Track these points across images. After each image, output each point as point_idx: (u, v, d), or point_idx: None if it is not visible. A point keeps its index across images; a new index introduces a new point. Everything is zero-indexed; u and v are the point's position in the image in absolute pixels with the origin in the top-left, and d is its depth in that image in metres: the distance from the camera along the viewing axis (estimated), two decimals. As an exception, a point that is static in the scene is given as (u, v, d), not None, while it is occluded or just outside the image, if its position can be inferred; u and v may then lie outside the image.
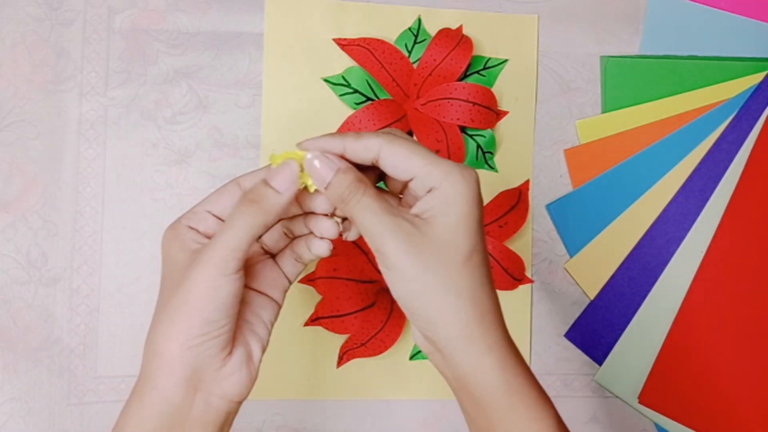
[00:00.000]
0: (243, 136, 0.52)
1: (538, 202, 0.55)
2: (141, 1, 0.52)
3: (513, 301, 0.54)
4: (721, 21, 0.57)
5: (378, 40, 0.53)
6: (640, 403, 0.54)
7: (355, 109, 0.52)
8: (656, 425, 0.55)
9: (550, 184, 0.55)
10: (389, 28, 0.54)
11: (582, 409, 0.54)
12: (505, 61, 0.55)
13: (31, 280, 0.49)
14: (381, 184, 0.36)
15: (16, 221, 0.50)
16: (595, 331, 0.55)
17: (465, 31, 0.53)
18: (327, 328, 0.50)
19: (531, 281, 0.54)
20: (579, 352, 0.55)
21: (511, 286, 0.52)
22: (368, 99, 0.53)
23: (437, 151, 0.50)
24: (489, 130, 0.53)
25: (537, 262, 0.55)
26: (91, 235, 0.50)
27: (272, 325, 0.36)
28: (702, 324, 0.54)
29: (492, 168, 0.54)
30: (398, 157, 0.32)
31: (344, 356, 0.50)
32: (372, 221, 0.31)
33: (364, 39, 0.53)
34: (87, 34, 0.51)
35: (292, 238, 0.37)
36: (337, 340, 0.51)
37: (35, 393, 0.49)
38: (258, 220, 0.32)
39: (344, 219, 0.36)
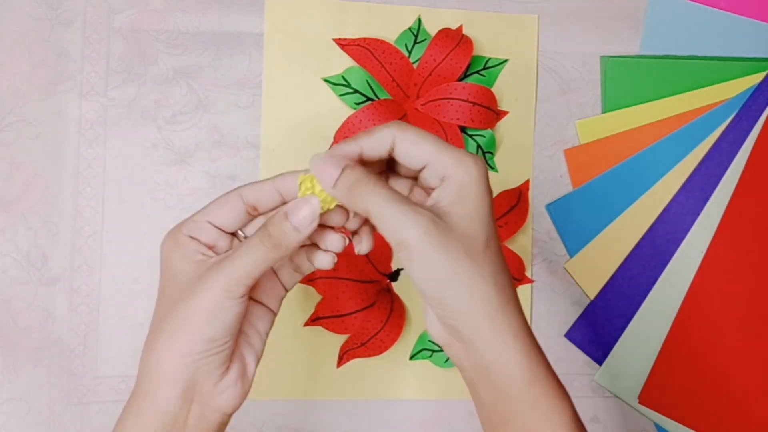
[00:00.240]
0: (243, 136, 0.52)
1: (538, 202, 0.55)
2: (141, 1, 0.52)
3: (513, 301, 0.54)
4: (721, 21, 0.57)
5: (378, 40, 0.53)
6: (640, 403, 0.54)
7: (355, 109, 0.52)
8: (656, 425, 0.55)
9: (550, 184, 0.55)
10: (389, 28, 0.54)
11: (582, 409, 0.54)
12: (505, 61, 0.55)
13: (31, 280, 0.49)
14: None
15: (16, 221, 0.50)
16: (595, 331, 0.55)
17: (465, 31, 0.53)
18: (327, 328, 0.50)
19: (531, 281, 0.54)
20: (579, 352, 0.55)
21: (511, 286, 0.52)
22: (368, 99, 0.53)
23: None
24: (489, 130, 0.53)
25: (537, 262, 0.55)
26: (91, 235, 0.50)
27: (267, 335, 0.36)
28: (702, 324, 0.54)
29: (492, 168, 0.54)
30: (411, 143, 0.32)
31: (344, 356, 0.50)
32: (390, 212, 0.31)
33: (364, 39, 0.53)
34: (87, 34, 0.51)
35: None
36: (337, 340, 0.51)
37: (35, 393, 0.49)
38: (274, 255, 0.32)
39: (354, 233, 0.35)
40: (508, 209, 0.53)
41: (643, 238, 0.55)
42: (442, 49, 0.52)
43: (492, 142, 0.53)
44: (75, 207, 0.50)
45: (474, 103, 0.52)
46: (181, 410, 0.32)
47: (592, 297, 0.55)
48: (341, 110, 0.53)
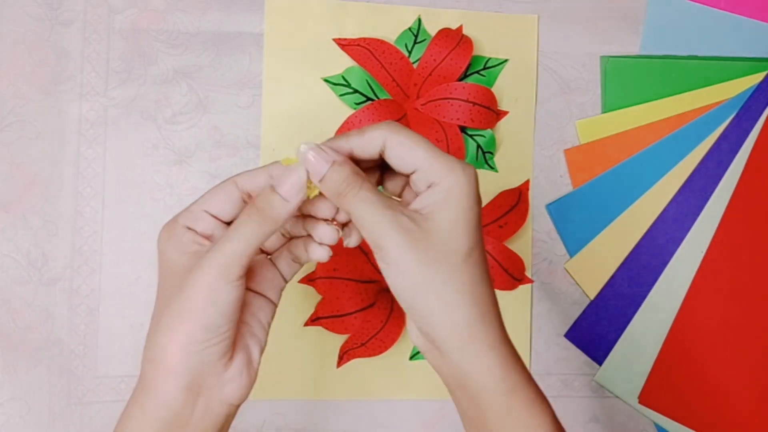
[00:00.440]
0: (243, 136, 0.52)
1: (538, 202, 0.55)
2: (141, 1, 0.52)
3: (513, 301, 0.54)
4: (721, 21, 0.57)
5: (378, 40, 0.53)
6: (640, 403, 0.54)
7: (355, 109, 0.52)
8: (656, 425, 0.55)
9: (550, 184, 0.55)
10: (389, 28, 0.54)
11: (582, 409, 0.54)
12: (505, 61, 0.55)
13: (31, 280, 0.49)
14: (380, 189, 0.36)
15: (16, 221, 0.50)
16: (595, 331, 0.55)
17: (465, 31, 0.53)
18: (327, 328, 0.50)
19: (531, 281, 0.54)
20: (579, 352, 0.55)
21: (511, 286, 0.52)
22: (368, 99, 0.53)
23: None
24: (489, 130, 0.53)
25: (537, 262, 0.55)
26: (91, 235, 0.50)
27: (269, 326, 0.36)
28: (702, 324, 0.54)
29: (492, 168, 0.54)
30: (403, 147, 0.32)
31: (344, 356, 0.50)
32: (371, 215, 0.31)
33: (364, 39, 0.53)
34: (87, 34, 0.51)
35: (288, 238, 0.37)
36: (337, 340, 0.51)
37: (35, 393, 0.49)
38: (264, 229, 0.32)
39: (344, 225, 0.35)
40: (508, 209, 0.53)
41: (643, 238, 0.55)
42: (442, 49, 0.52)
43: (492, 142, 0.53)
44: (75, 207, 0.50)
45: (474, 103, 0.52)
46: (186, 403, 0.31)
47: (592, 297, 0.55)
48: (341, 110, 0.53)
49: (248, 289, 0.35)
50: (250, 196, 0.34)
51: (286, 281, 0.37)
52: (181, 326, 0.31)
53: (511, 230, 0.53)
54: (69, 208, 0.50)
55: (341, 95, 0.53)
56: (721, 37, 0.57)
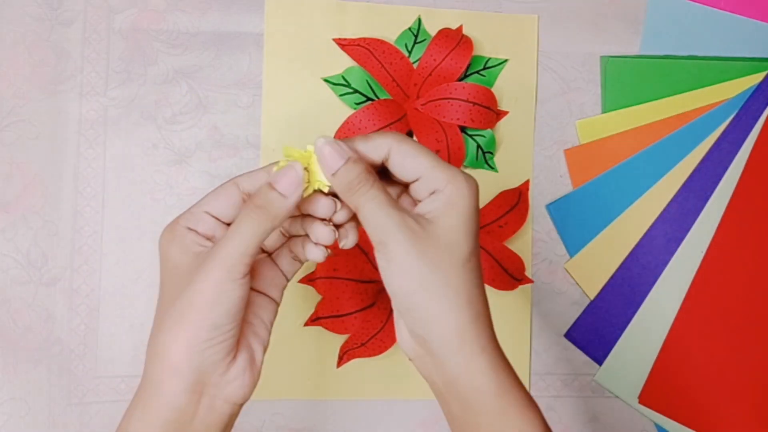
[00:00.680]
0: (243, 136, 0.52)
1: (538, 202, 0.55)
2: (141, 1, 0.52)
3: (513, 301, 0.54)
4: (721, 21, 0.57)
5: (378, 40, 0.53)
6: (640, 403, 0.54)
7: (355, 109, 0.52)
8: (656, 425, 0.55)
9: (550, 184, 0.55)
10: (389, 28, 0.54)
11: (582, 409, 0.54)
12: (505, 61, 0.55)
13: (31, 280, 0.49)
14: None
15: (16, 221, 0.50)
16: (595, 331, 0.55)
17: (465, 31, 0.53)
18: (327, 328, 0.50)
19: (531, 281, 0.54)
20: (579, 352, 0.55)
21: (511, 286, 0.52)
22: (368, 99, 0.53)
23: (437, 152, 0.50)
24: (489, 130, 0.53)
25: (537, 262, 0.55)
26: (91, 235, 0.50)
27: (272, 325, 0.36)
28: (702, 324, 0.54)
29: (492, 168, 0.54)
30: (407, 157, 0.33)
31: (344, 356, 0.50)
32: (379, 213, 0.32)
33: (364, 39, 0.53)
34: (87, 34, 0.51)
35: (288, 237, 0.37)
36: (337, 340, 0.51)
37: (35, 393, 0.49)
38: (265, 225, 0.32)
39: (340, 226, 0.35)
40: (508, 209, 0.53)
41: (643, 238, 0.55)
42: (442, 49, 0.52)
43: (492, 142, 0.53)
44: (75, 207, 0.50)
45: (474, 103, 0.52)
46: (189, 402, 0.32)
47: (592, 297, 0.55)
48: (341, 110, 0.53)
49: (251, 288, 0.36)
50: (250, 197, 0.34)
51: (288, 279, 0.37)
52: (186, 325, 0.31)
53: (511, 230, 0.53)
54: (69, 208, 0.50)
55: (341, 95, 0.53)
56: (721, 37, 0.57)
